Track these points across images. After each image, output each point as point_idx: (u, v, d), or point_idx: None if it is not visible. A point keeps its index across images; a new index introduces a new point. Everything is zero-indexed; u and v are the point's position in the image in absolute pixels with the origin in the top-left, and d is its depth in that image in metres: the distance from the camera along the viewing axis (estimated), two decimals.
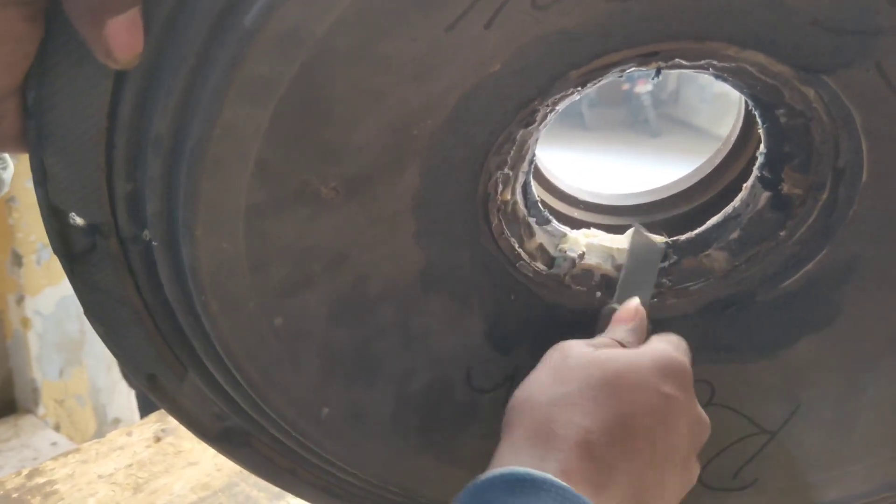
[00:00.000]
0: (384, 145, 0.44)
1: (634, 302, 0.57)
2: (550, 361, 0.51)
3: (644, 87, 6.34)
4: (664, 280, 0.63)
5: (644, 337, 0.56)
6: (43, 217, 0.42)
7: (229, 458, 0.62)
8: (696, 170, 0.66)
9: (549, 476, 0.41)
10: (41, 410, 2.16)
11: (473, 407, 0.63)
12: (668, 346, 0.52)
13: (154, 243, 0.44)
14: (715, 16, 0.42)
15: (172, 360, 0.53)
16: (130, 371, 0.53)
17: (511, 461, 0.44)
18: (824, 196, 0.54)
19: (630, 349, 0.52)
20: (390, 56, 0.38)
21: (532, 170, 0.59)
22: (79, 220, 0.44)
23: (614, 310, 0.59)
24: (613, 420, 0.45)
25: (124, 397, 2.23)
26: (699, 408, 0.51)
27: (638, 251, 0.62)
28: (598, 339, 0.54)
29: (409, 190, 0.49)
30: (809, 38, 0.43)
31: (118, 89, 0.36)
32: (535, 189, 0.64)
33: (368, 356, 0.57)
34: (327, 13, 0.34)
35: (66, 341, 2.06)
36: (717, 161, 0.64)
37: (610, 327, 0.56)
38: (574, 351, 0.51)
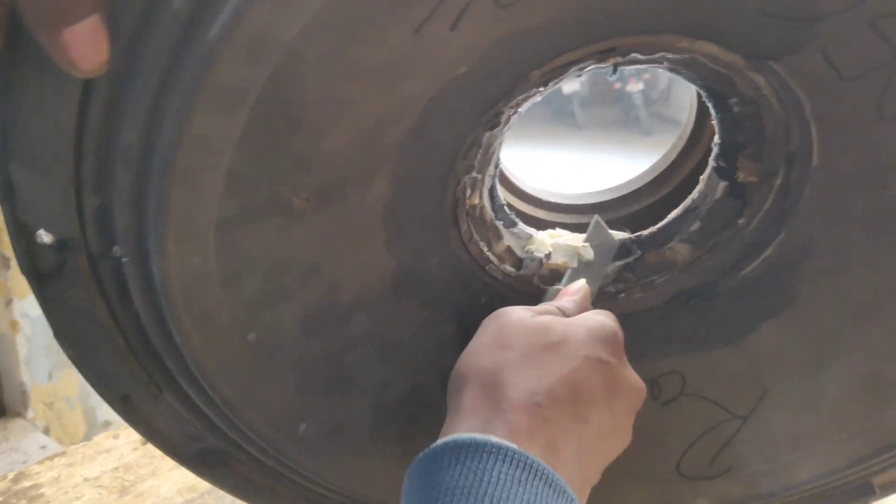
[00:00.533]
0: (355, 153, 0.45)
1: (581, 282, 0.60)
2: (490, 327, 0.52)
3: (635, 86, 6.36)
4: (629, 275, 0.65)
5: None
6: (10, 235, 0.40)
7: (206, 480, 0.61)
8: (655, 165, 0.68)
9: (491, 438, 0.41)
10: (30, 414, 2.13)
11: None
12: (600, 316, 0.54)
13: (124, 259, 0.43)
14: (669, 8, 0.44)
15: (146, 380, 0.52)
16: (103, 394, 0.52)
17: (459, 429, 0.45)
18: (778, 182, 0.56)
19: (566, 319, 0.53)
20: (359, 61, 0.39)
21: (497, 173, 0.60)
22: (46, 238, 0.42)
23: (558, 290, 0.60)
24: (557, 383, 0.46)
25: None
26: (633, 373, 0.53)
27: (593, 244, 0.63)
28: (538, 307, 0.56)
29: (379, 198, 0.50)
30: (757, 25, 0.45)
31: (86, 99, 0.36)
32: (501, 192, 0.65)
33: (343, 368, 0.57)
34: (295, 20, 0.34)
35: (54, 344, 2.01)
36: (674, 155, 0.66)
37: (555, 299, 0.58)
38: (514, 317, 0.52)
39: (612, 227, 0.67)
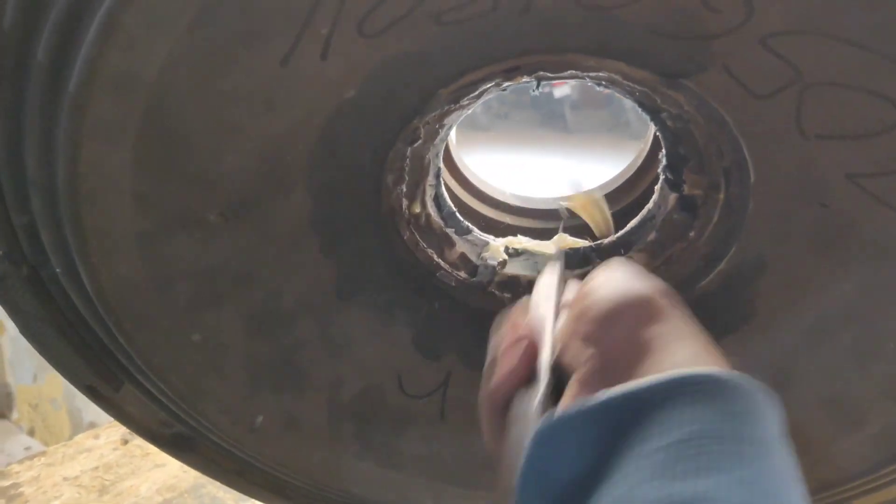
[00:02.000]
0: (258, 172, 0.47)
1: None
2: (611, 268, 0.45)
3: None
4: None
5: None
6: None
7: (179, 461, 0.66)
8: (619, 174, 0.66)
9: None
10: (15, 415, 2.15)
11: (409, 412, 0.65)
12: None
13: (58, 270, 0.48)
14: (557, 32, 0.44)
15: (106, 373, 0.57)
16: (71, 382, 0.58)
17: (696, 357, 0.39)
18: (721, 196, 0.54)
19: None
20: (232, 92, 0.41)
21: (441, 182, 0.61)
22: None
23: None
24: None
25: None
26: None
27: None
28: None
29: (301, 209, 0.52)
30: (654, 45, 0.44)
31: None
32: (463, 196, 0.66)
33: (294, 366, 0.60)
34: (152, 59, 0.37)
35: None
36: (638, 163, 0.65)
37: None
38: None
39: (574, 235, 0.66)
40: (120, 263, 0.48)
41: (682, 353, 0.39)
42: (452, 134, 0.65)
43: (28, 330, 0.53)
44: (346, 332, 0.60)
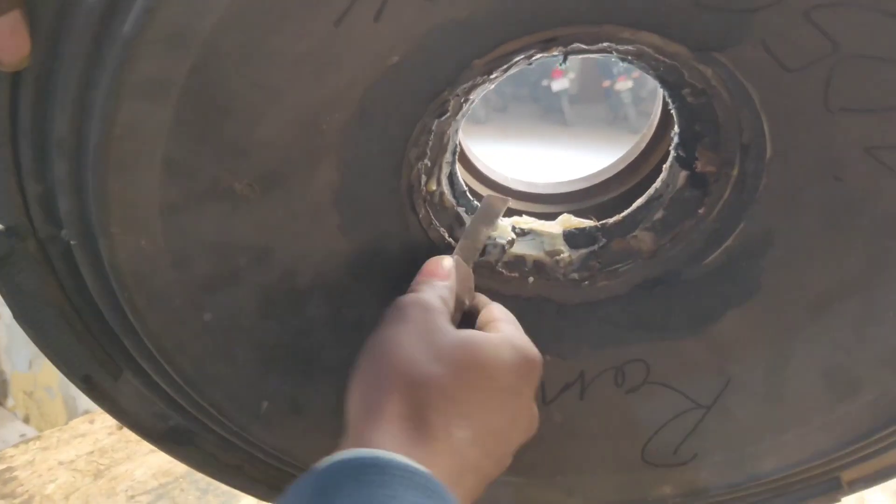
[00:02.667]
0: (293, 140, 0.46)
1: (447, 262, 0.56)
2: (415, 320, 0.49)
3: (624, 84, 6.41)
4: (594, 263, 0.65)
5: (466, 293, 0.57)
6: None
7: (174, 458, 0.63)
8: (624, 155, 0.68)
9: (418, 466, 0.39)
10: (10, 402, 2.11)
11: None
12: (527, 342, 0.52)
13: (72, 242, 0.45)
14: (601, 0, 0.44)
15: (106, 360, 0.54)
16: (65, 373, 0.54)
17: (378, 441, 0.42)
18: (735, 172, 0.56)
19: (492, 336, 0.50)
20: (282, 53, 0.39)
21: (456, 160, 0.60)
22: None
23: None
24: (485, 429, 0.46)
25: None
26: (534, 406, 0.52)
27: (483, 208, 0.61)
28: (449, 304, 0.53)
29: (327, 183, 0.51)
30: (695, 18, 0.45)
31: (16, 92, 0.37)
32: (469, 180, 0.65)
33: (304, 348, 0.58)
34: (209, 14, 0.35)
35: None
36: (643, 145, 0.66)
37: (427, 280, 0.55)
38: (438, 321, 0.49)
39: (580, 216, 0.67)
40: (141, 235, 0.45)
41: None
42: None
43: (25, 314, 0.49)
44: (357, 312, 0.59)
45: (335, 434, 0.63)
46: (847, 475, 0.67)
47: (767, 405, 0.63)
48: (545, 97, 7.04)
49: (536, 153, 5.52)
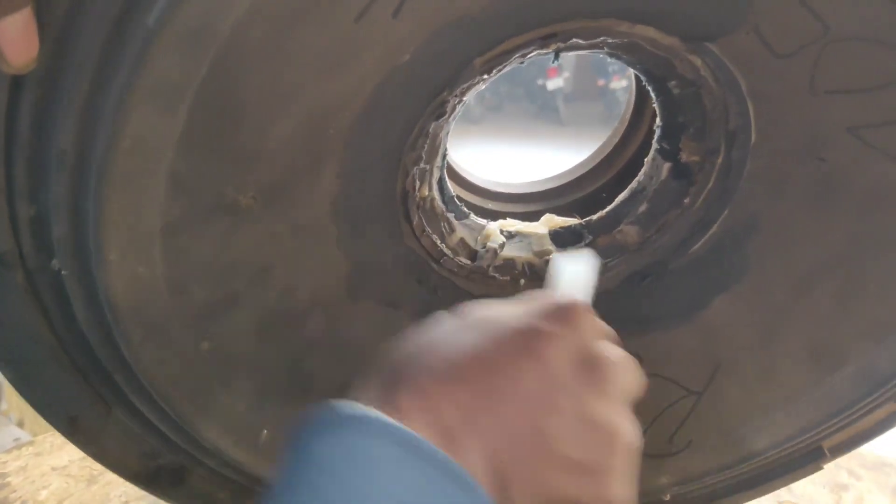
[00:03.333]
0: (299, 147, 0.44)
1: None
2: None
3: (619, 83, 6.47)
4: None
5: None
6: None
7: (164, 500, 0.59)
8: (598, 150, 0.68)
9: (372, 412, 0.33)
10: (4, 406, 2.00)
11: None
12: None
13: (63, 272, 0.41)
14: None
15: (94, 398, 0.50)
16: (48, 417, 0.49)
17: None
18: (720, 160, 0.57)
19: None
20: (301, 50, 0.38)
21: (445, 164, 0.59)
22: None
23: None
24: (466, 357, 0.37)
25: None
26: (606, 347, 0.41)
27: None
28: None
29: (327, 194, 0.49)
30: (692, 7, 0.46)
31: (15, 100, 0.34)
32: (450, 185, 0.64)
33: (302, 371, 0.56)
34: (234, 7, 0.33)
35: None
36: (616, 139, 0.67)
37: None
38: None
39: (560, 214, 0.67)
40: (139, 261, 0.42)
41: None
42: None
43: (9, 350, 0.45)
44: (353, 328, 0.57)
45: None
46: (828, 443, 0.69)
47: (756, 386, 0.65)
48: (540, 96, 7.05)
49: (531, 152, 5.53)
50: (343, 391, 0.58)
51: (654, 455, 0.67)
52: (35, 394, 0.47)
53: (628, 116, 0.67)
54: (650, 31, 0.48)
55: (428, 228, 0.59)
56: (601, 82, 6.76)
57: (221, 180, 0.42)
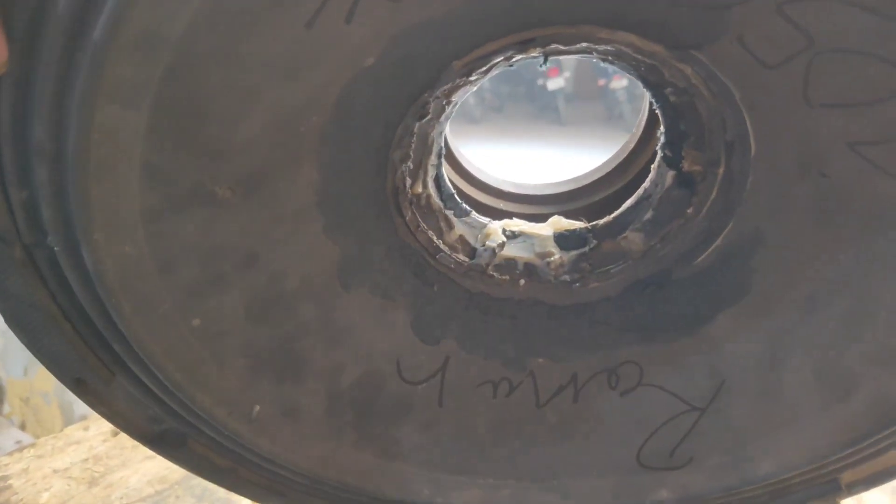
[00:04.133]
0: (272, 143, 0.46)
1: None
2: None
3: (620, 83, 6.42)
4: (585, 265, 0.65)
5: None
6: None
7: (169, 460, 0.64)
8: (614, 155, 0.67)
9: None
10: (6, 409, 2.12)
11: (408, 399, 0.64)
12: None
13: (56, 249, 0.46)
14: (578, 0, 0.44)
15: (97, 364, 0.54)
16: (57, 376, 0.55)
17: None
18: (721, 171, 0.55)
19: None
20: (255, 55, 0.40)
21: (442, 162, 0.61)
22: None
23: None
24: None
25: None
26: None
27: None
28: None
29: (309, 185, 0.51)
30: (672, 15, 0.45)
31: None
32: (459, 182, 0.66)
33: (294, 353, 0.59)
34: (179, 17, 0.36)
35: None
36: (631, 146, 0.66)
37: None
38: None
39: (571, 218, 0.67)
40: (124, 241, 0.46)
41: None
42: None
43: (16, 317, 0.50)
44: (346, 316, 0.59)
45: (327, 439, 0.64)
46: (846, 477, 0.66)
47: (762, 406, 0.63)
48: (541, 96, 7.08)
49: (533, 152, 5.52)
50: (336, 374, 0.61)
51: (653, 467, 0.66)
52: (43, 356, 0.53)
53: (643, 122, 0.65)
54: (632, 38, 0.47)
55: (423, 224, 0.60)
56: (602, 82, 6.61)
57: (195, 172, 0.45)
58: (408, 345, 0.62)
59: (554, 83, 6.69)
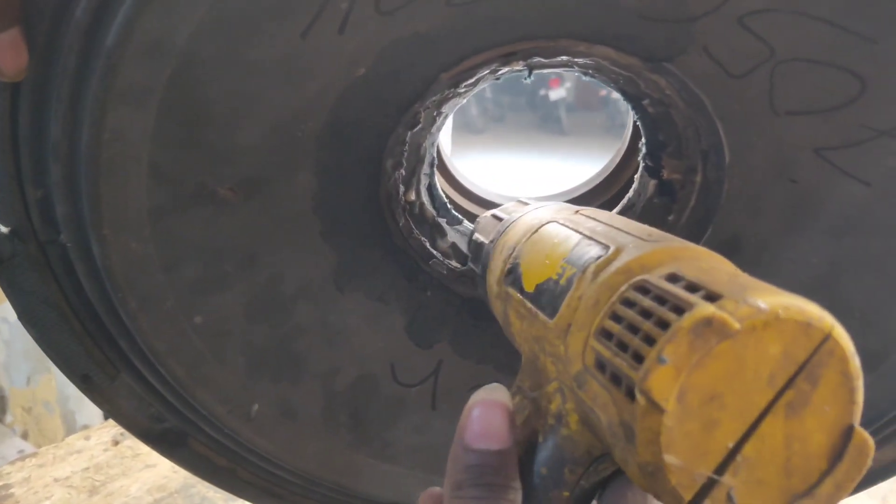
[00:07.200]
0: (271, 146, 0.49)
1: None
2: None
3: None
4: None
5: None
6: None
7: (168, 458, 0.66)
8: (603, 168, 0.70)
9: None
10: (9, 418, 2.13)
11: (402, 402, 0.66)
12: None
13: (68, 245, 0.49)
14: (556, 15, 0.47)
15: (103, 361, 0.57)
16: (65, 372, 0.57)
17: None
18: (698, 179, 0.58)
19: None
20: (255, 61, 0.43)
21: (434, 172, 0.64)
22: (3, 228, 0.49)
23: None
24: None
25: (93, 404, 2.11)
26: None
27: None
28: None
29: (306, 190, 0.54)
30: (642, 29, 0.48)
31: (15, 100, 0.42)
32: (448, 192, 0.68)
33: (292, 354, 0.61)
34: (184, 25, 0.40)
35: (33, 348, 1.91)
36: (619, 158, 0.69)
37: None
38: None
39: None
40: (131, 238, 0.49)
41: None
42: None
43: (28, 313, 0.53)
44: (343, 318, 0.62)
45: (324, 439, 0.66)
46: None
47: None
48: (543, 106, 7.13)
49: (535, 162, 5.54)
50: (332, 375, 0.64)
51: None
52: (52, 353, 0.55)
53: (629, 134, 0.68)
54: (609, 52, 0.51)
55: (416, 231, 0.63)
56: (603, 93, 6.68)
57: (199, 172, 0.48)
58: (402, 348, 0.65)
59: (556, 93, 6.73)
